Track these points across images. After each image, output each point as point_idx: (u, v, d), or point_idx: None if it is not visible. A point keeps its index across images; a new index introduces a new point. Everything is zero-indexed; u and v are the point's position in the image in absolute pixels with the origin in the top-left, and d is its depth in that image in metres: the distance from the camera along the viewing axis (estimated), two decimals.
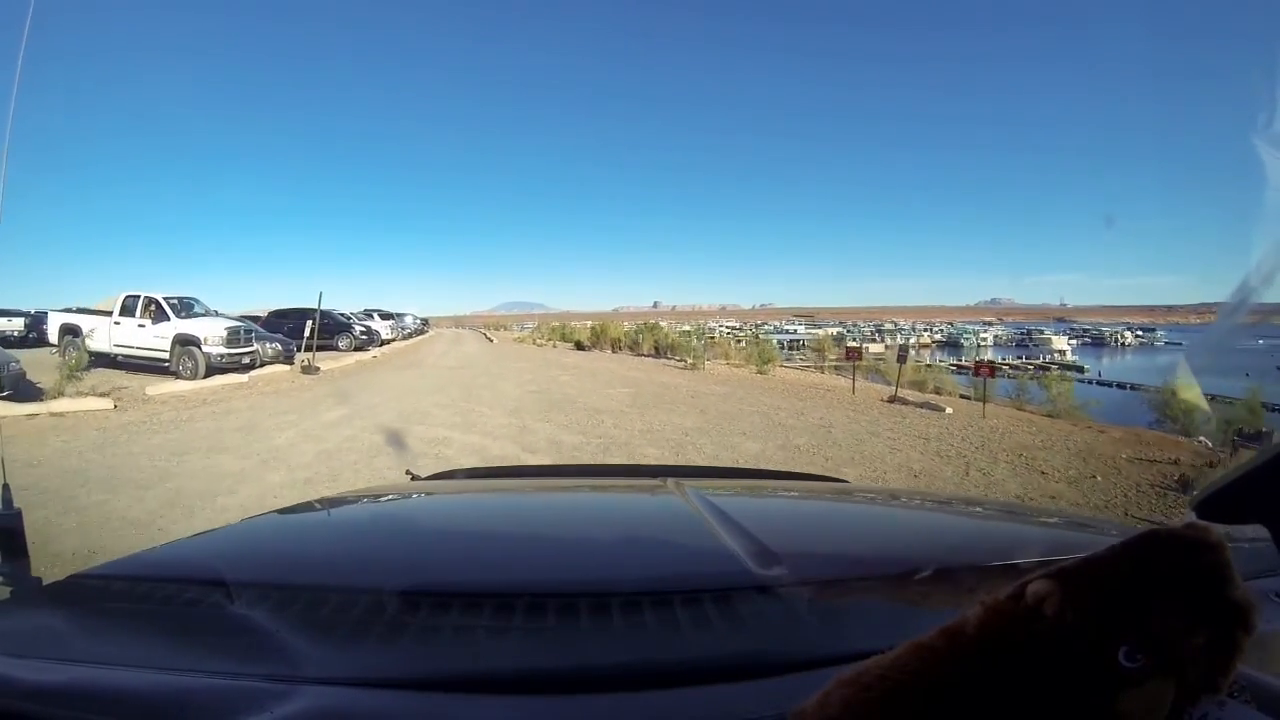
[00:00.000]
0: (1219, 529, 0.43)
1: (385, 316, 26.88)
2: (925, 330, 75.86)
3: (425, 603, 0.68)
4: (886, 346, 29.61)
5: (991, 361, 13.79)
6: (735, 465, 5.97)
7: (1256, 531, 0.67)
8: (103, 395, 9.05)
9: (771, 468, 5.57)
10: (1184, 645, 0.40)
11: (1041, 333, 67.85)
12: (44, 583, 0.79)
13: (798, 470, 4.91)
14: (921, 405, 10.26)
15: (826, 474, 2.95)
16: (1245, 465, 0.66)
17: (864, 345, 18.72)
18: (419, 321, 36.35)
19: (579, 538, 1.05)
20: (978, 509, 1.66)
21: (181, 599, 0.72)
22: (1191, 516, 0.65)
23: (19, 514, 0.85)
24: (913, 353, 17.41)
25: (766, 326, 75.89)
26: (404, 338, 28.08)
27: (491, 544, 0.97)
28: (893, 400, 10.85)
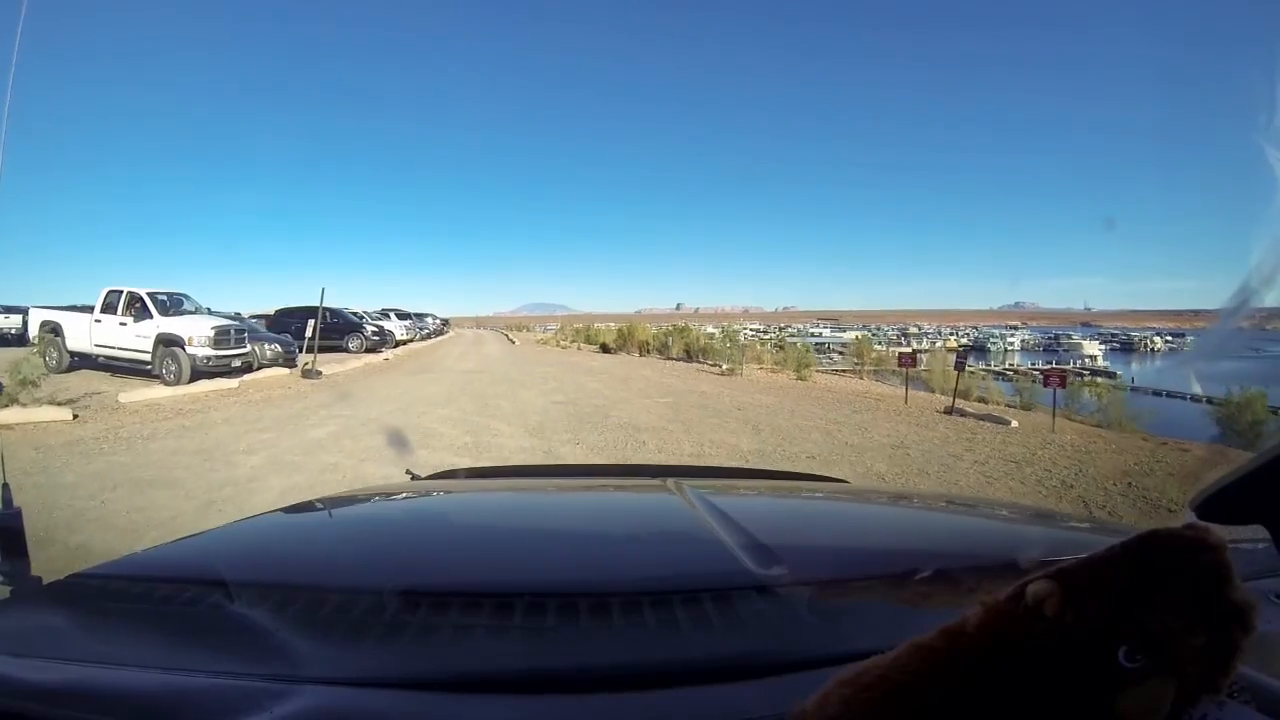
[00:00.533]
0: (1219, 530, 0.43)
1: (403, 316, 25.88)
2: (951, 334, 74.08)
3: (425, 603, 0.67)
4: (914, 350, 27.88)
5: (1063, 371, 12.62)
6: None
7: (1256, 532, 0.65)
8: (64, 404, 7.85)
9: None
10: (1184, 646, 0.40)
11: (1070, 337, 65.85)
12: (44, 582, 0.76)
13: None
14: (983, 418, 9.43)
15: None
16: (1245, 466, 0.63)
17: (889, 349, 17.31)
18: (439, 322, 35.56)
19: (579, 537, 1.02)
20: (978, 509, 1.61)
21: (181, 599, 0.70)
22: (1191, 517, 0.64)
23: (19, 513, 0.82)
24: (935, 356, 16.09)
25: (791, 329, 74.28)
26: (422, 338, 27.16)
27: (491, 544, 0.96)
28: (950, 411, 9.88)
